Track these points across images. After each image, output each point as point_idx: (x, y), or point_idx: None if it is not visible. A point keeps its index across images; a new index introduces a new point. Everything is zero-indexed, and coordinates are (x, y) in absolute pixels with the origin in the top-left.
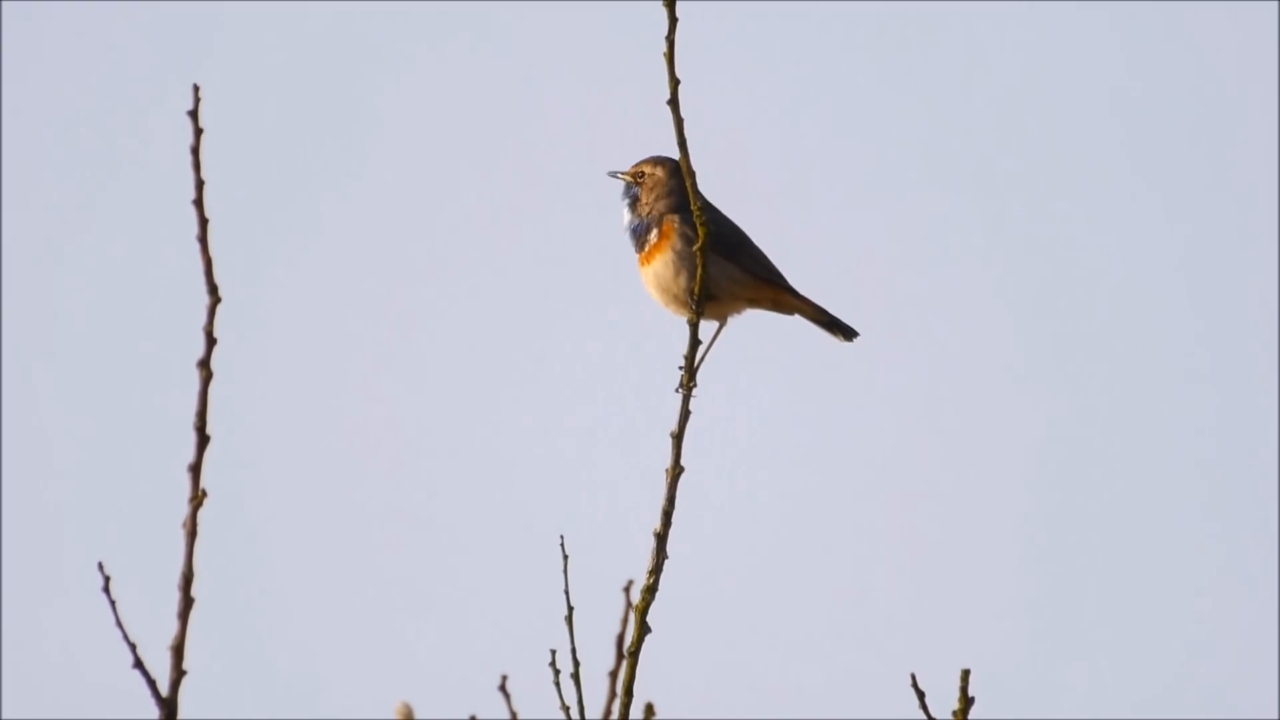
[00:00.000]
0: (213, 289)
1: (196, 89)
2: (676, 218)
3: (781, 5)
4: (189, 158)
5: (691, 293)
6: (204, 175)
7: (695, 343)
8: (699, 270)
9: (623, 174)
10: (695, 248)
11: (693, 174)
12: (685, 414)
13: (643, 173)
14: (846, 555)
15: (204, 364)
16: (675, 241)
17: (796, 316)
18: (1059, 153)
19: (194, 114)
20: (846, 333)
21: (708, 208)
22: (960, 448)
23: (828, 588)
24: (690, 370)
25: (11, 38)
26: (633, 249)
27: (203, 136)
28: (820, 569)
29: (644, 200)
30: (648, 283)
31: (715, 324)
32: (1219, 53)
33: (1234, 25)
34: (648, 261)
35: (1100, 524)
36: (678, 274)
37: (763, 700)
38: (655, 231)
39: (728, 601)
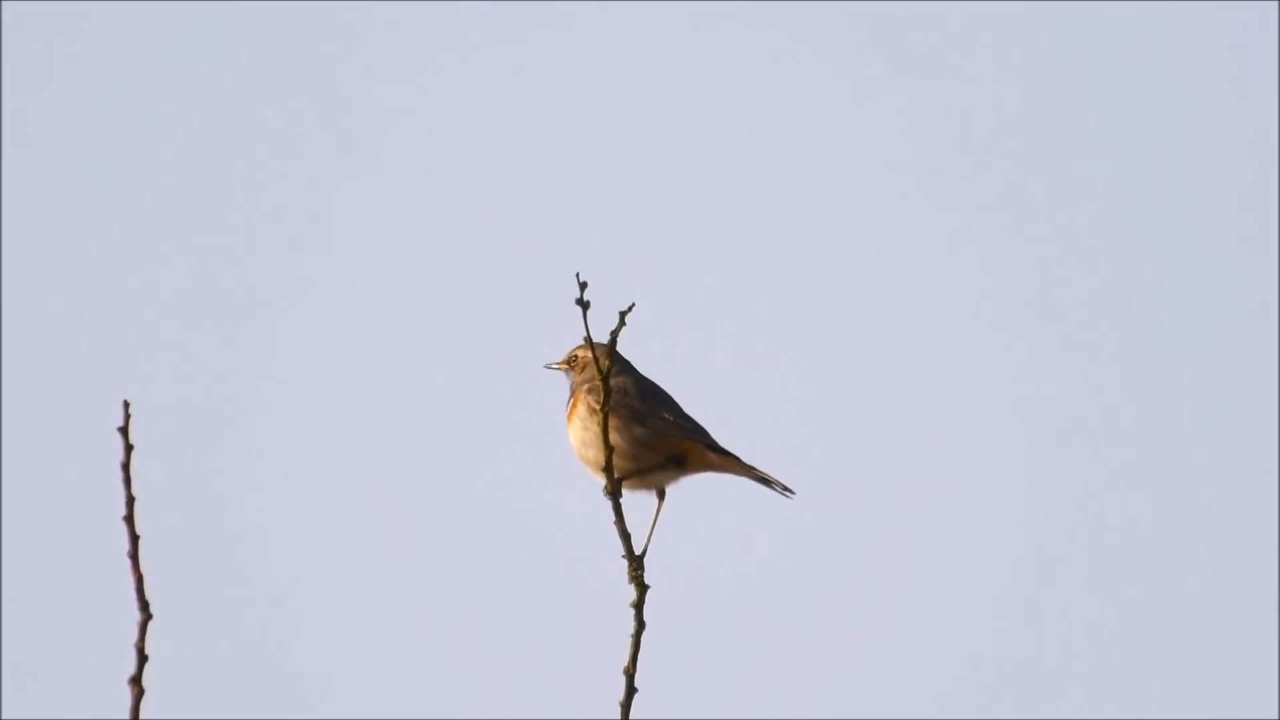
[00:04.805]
0: (144, 606)
1: (127, 405)
2: (586, 388)
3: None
4: (120, 473)
5: (600, 462)
6: (134, 492)
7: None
8: (606, 448)
9: (557, 364)
10: (597, 420)
11: (606, 359)
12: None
13: (575, 356)
14: (843, 563)
15: (135, 680)
16: (581, 411)
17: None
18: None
19: (124, 430)
20: (780, 488)
21: (628, 371)
22: (953, 462)
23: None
24: (637, 560)
25: (12, 38)
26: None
27: (133, 453)
28: (814, 572)
29: (576, 379)
30: (571, 443)
31: (653, 497)
32: (1210, 56)
33: (1231, 29)
34: (569, 424)
35: (1098, 525)
36: (583, 441)
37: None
38: (570, 400)
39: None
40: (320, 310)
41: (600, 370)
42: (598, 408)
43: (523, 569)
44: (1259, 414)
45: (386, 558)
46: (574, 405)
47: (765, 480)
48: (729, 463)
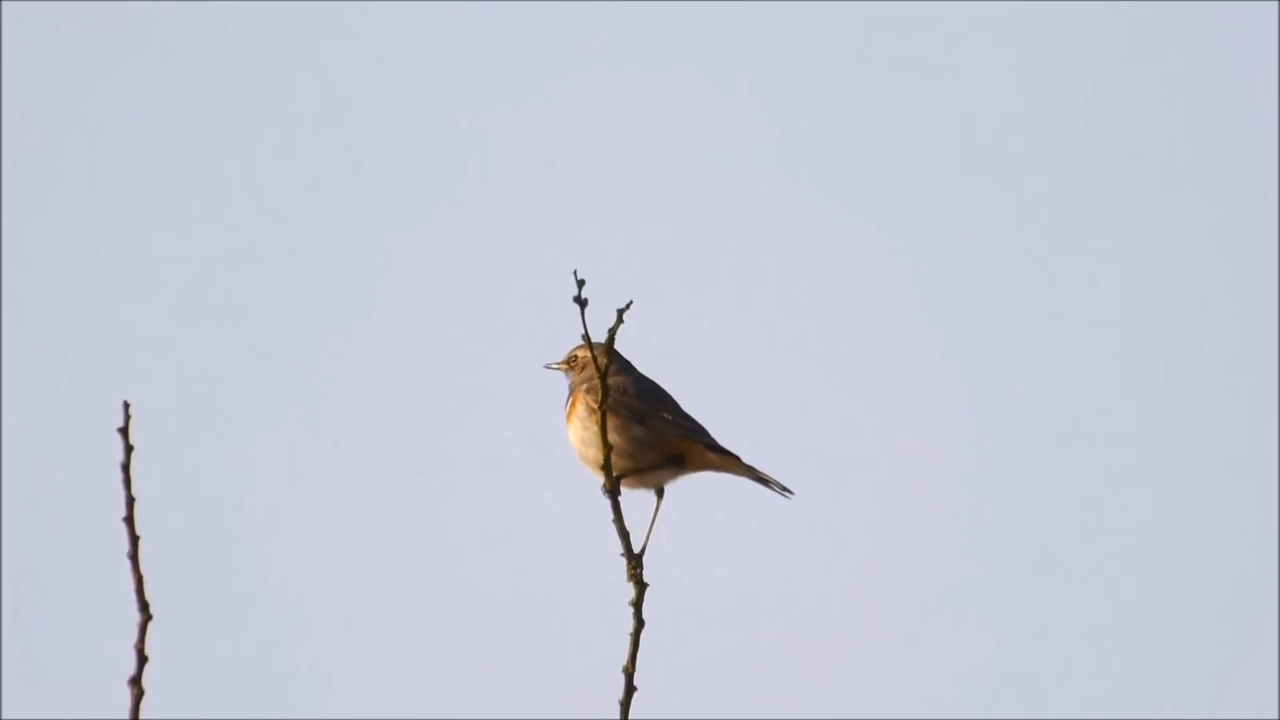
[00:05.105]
0: (144, 606)
1: (127, 405)
2: (585, 387)
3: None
4: (119, 474)
5: (600, 462)
6: (134, 493)
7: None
8: (604, 446)
9: (557, 364)
10: (595, 420)
11: (605, 359)
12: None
13: (575, 356)
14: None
15: (135, 681)
16: (581, 410)
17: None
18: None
19: (124, 430)
20: (781, 489)
21: (628, 371)
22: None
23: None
24: (635, 559)
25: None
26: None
27: (133, 453)
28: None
29: (576, 378)
30: (571, 445)
31: (652, 496)
32: (1200, 58)
33: (1231, 29)
34: (568, 424)
35: (1098, 524)
36: (583, 440)
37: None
38: (569, 400)
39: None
40: (320, 310)
41: (598, 369)
42: (596, 407)
43: (521, 567)
44: (1260, 413)
45: (385, 557)
46: (573, 405)
47: (764, 480)
48: (728, 462)
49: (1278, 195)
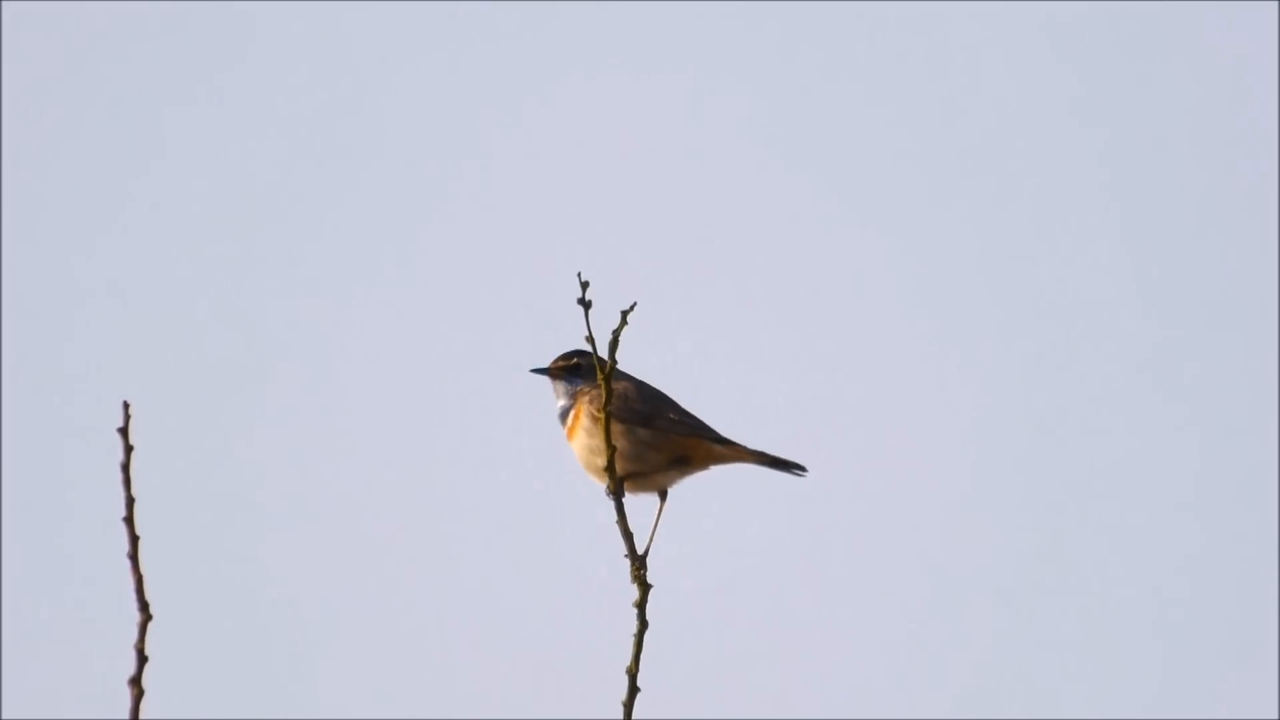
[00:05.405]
0: (144, 606)
1: (127, 405)
2: (588, 398)
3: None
4: (120, 474)
5: (606, 467)
6: (134, 493)
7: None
8: (608, 447)
9: (550, 368)
10: (600, 426)
11: (605, 365)
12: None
13: (577, 365)
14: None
15: (135, 681)
16: (585, 422)
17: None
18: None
19: (124, 430)
20: (791, 468)
21: (627, 377)
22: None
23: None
24: (639, 560)
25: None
26: (561, 428)
27: (133, 453)
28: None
29: (582, 387)
30: (576, 457)
31: (656, 498)
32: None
33: (1231, 29)
34: (571, 439)
35: (1100, 522)
36: (590, 449)
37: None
38: (572, 412)
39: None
40: (321, 311)
41: (601, 371)
42: (600, 415)
43: (525, 569)
44: (1261, 413)
45: (387, 557)
46: (575, 417)
47: (774, 462)
48: (736, 452)
49: (1278, 195)
